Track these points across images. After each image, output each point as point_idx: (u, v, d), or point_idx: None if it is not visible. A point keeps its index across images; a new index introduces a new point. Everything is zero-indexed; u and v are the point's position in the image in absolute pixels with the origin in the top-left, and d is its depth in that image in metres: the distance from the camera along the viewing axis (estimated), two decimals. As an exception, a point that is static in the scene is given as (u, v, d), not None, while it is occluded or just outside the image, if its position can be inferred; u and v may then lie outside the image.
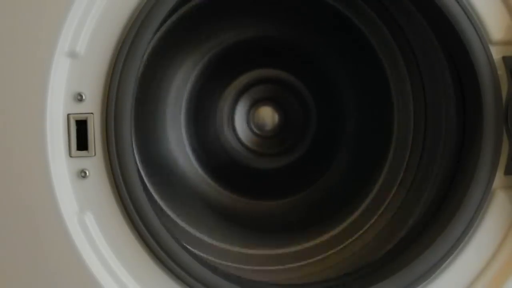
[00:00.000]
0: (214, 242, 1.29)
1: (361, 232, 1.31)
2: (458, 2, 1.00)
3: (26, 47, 0.93)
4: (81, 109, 0.96)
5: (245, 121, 1.46)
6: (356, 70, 1.38)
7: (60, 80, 0.95)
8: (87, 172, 0.97)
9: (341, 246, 1.30)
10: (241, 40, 1.39)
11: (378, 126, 1.36)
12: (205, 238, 1.29)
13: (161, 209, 1.28)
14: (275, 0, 1.33)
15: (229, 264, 1.25)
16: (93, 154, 0.97)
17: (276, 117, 1.46)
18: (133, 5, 0.96)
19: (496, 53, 1.01)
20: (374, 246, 1.27)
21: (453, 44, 1.05)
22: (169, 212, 1.29)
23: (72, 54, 0.95)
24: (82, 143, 0.97)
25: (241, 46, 1.39)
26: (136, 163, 0.98)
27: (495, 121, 1.02)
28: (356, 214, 1.34)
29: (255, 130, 1.47)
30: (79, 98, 0.96)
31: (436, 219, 1.10)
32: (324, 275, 1.26)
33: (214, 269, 1.04)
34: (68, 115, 0.96)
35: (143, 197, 0.98)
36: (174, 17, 1.26)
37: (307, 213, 1.42)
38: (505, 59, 1.01)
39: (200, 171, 1.40)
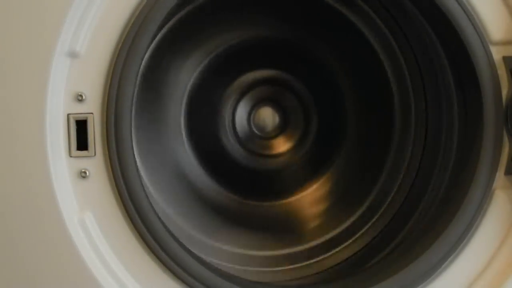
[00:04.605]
0: (214, 243, 1.29)
1: (361, 232, 1.31)
2: (458, 2, 1.00)
3: (26, 47, 0.93)
4: (81, 109, 0.96)
5: (246, 122, 1.46)
6: (356, 71, 1.38)
7: (60, 80, 0.95)
8: (87, 172, 0.97)
9: (342, 247, 1.30)
10: (242, 41, 1.39)
11: (379, 126, 1.36)
12: (205, 238, 1.29)
13: (161, 209, 1.28)
14: (275, 1, 1.33)
15: (229, 264, 1.25)
16: (93, 154, 0.97)
17: (276, 118, 1.46)
18: (133, 5, 0.96)
19: (496, 53, 1.01)
20: (375, 246, 1.27)
21: (453, 44, 1.05)
22: (169, 212, 1.29)
23: (72, 54, 0.95)
24: (82, 143, 0.97)
25: (241, 47, 1.39)
26: (136, 163, 0.98)
27: (495, 121, 1.01)
28: (357, 214, 1.34)
29: (255, 131, 1.47)
30: (79, 98, 0.96)
31: (436, 219, 1.10)
32: (324, 276, 1.26)
33: (214, 269, 1.04)
34: (68, 115, 0.96)
35: (143, 197, 0.98)
36: (174, 18, 1.27)
37: (308, 213, 1.42)
38: (505, 59, 1.01)
39: (200, 171, 1.40)
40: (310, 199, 1.43)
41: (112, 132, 0.96)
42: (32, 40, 0.93)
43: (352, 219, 1.34)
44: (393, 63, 1.30)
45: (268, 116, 1.46)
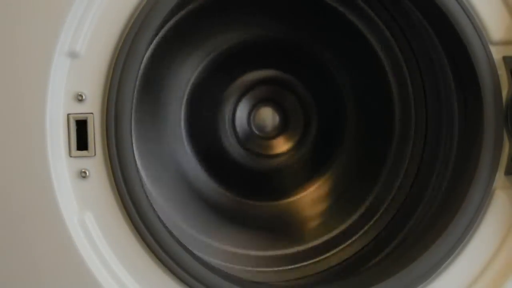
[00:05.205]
0: (214, 242, 1.29)
1: (361, 232, 1.31)
2: (458, 2, 1.00)
3: (26, 47, 0.93)
4: (81, 109, 0.96)
5: (246, 122, 1.46)
6: (356, 71, 1.38)
7: (60, 80, 0.95)
8: (87, 172, 0.97)
9: (342, 247, 1.30)
10: (242, 41, 1.39)
11: (379, 127, 1.36)
12: (205, 238, 1.29)
13: (161, 209, 1.27)
14: (275, 1, 1.33)
15: (229, 264, 1.25)
16: (93, 154, 0.97)
17: (276, 118, 1.46)
18: (133, 5, 0.96)
19: (496, 53, 1.01)
20: (375, 247, 1.27)
21: (453, 44, 1.05)
22: (169, 212, 1.29)
23: (72, 54, 0.95)
24: (82, 143, 0.97)
25: (241, 47, 1.39)
26: (136, 163, 0.98)
27: (495, 121, 1.02)
28: (357, 214, 1.34)
29: (255, 131, 1.46)
30: (79, 98, 0.96)
31: (437, 219, 1.10)
32: (324, 276, 1.26)
33: (214, 269, 1.04)
34: (68, 115, 0.96)
35: (143, 197, 0.98)
36: (174, 18, 1.27)
37: (307, 213, 1.42)
38: (505, 59, 1.01)
39: (200, 171, 1.40)
40: (310, 199, 1.42)
41: (112, 132, 0.96)
42: (32, 40, 0.93)
43: (352, 219, 1.34)
44: (393, 63, 1.30)
45: (268, 116, 1.46)
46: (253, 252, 1.31)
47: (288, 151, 1.47)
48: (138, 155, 1.25)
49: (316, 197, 1.42)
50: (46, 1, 0.93)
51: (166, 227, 0.99)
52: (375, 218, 1.32)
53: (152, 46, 1.25)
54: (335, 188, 1.41)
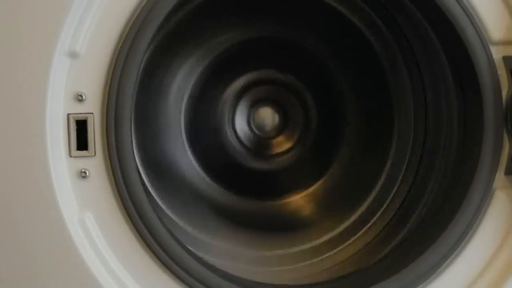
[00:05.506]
0: (215, 243, 1.29)
1: (361, 232, 1.31)
2: (458, 2, 1.00)
3: (26, 47, 0.93)
4: (81, 109, 0.96)
5: (245, 122, 1.46)
6: (356, 70, 1.38)
7: (60, 80, 0.95)
8: (87, 172, 0.97)
9: (342, 247, 1.30)
10: (241, 41, 1.39)
11: (379, 126, 1.36)
12: (205, 238, 1.29)
13: (161, 209, 1.28)
14: (275, 1, 1.33)
15: (229, 264, 1.25)
16: (93, 154, 0.97)
17: (276, 118, 1.46)
18: (133, 5, 0.96)
19: (496, 53, 1.01)
20: (375, 246, 1.27)
21: (453, 44, 1.05)
22: (169, 212, 1.29)
23: (72, 54, 0.95)
24: (82, 143, 0.97)
25: (241, 47, 1.39)
26: (136, 163, 0.98)
27: (495, 121, 1.02)
28: (357, 214, 1.34)
29: (255, 130, 1.47)
30: (79, 98, 0.96)
31: (436, 219, 1.10)
32: (325, 276, 1.26)
33: (214, 269, 1.04)
34: (68, 115, 0.96)
35: (143, 197, 0.98)
36: (174, 18, 1.26)
37: (308, 213, 1.42)
38: (505, 59, 1.01)
39: (200, 171, 1.40)
40: (310, 198, 1.43)
41: (112, 132, 0.96)
42: (32, 40, 0.93)
43: (352, 219, 1.34)
44: (392, 63, 1.30)
45: (267, 115, 1.46)
46: (253, 252, 1.31)
47: (288, 150, 1.47)
48: (138, 155, 1.25)
49: (316, 197, 1.43)
50: (46, 1, 0.92)
51: (166, 227, 0.99)
52: (375, 218, 1.32)
53: (152, 46, 1.25)
54: (335, 188, 1.42)
